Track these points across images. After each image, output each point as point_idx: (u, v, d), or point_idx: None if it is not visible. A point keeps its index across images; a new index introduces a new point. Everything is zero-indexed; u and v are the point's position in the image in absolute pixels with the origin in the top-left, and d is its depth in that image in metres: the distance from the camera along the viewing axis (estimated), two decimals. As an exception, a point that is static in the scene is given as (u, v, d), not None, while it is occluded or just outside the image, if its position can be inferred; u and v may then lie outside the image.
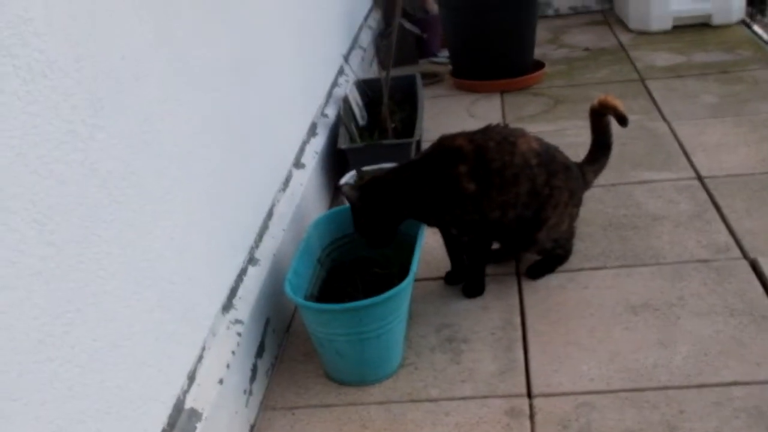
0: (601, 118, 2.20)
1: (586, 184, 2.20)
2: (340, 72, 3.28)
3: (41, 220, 1.12)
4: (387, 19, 4.43)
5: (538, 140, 2.08)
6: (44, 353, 1.11)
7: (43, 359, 1.10)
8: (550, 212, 2.07)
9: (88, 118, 1.25)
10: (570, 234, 2.18)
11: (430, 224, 2.06)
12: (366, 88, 3.19)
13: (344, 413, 1.78)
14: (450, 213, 2.02)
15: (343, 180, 2.49)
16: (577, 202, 2.16)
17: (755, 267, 2.08)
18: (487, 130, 2.06)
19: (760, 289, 2.00)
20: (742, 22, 4.12)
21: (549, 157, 2.07)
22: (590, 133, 2.23)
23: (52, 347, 1.12)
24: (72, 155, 1.20)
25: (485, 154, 1.99)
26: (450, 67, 3.91)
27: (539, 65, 3.76)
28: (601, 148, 2.22)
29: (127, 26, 1.41)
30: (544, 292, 2.11)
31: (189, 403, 1.54)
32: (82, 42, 1.25)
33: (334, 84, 3.16)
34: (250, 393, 1.79)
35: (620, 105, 2.16)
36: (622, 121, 2.17)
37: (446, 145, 2.03)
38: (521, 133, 2.07)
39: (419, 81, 3.26)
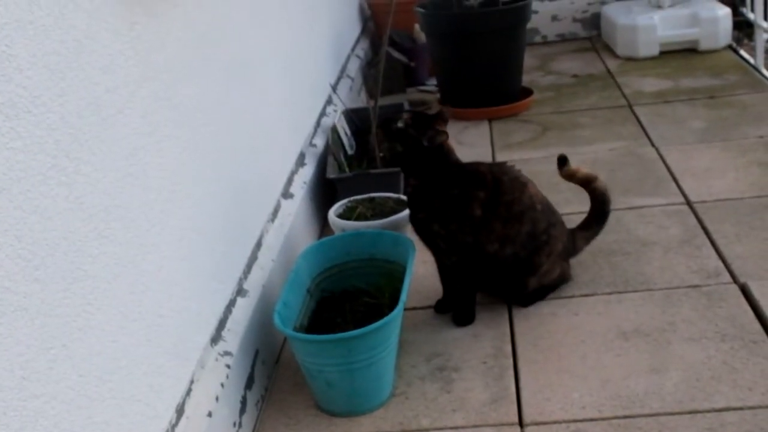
0: (588, 186, 2.23)
1: (576, 250, 2.23)
2: (329, 101, 3.28)
3: (26, 255, 1.11)
4: (374, 48, 4.45)
5: (541, 194, 2.14)
6: (29, 390, 1.09)
7: (27, 396, 1.09)
8: (544, 259, 2.09)
9: (73, 152, 1.25)
10: (560, 281, 2.19)
11: (421, 232, 2.09)
12: (354, 117, 3.20)
13: (335, 445, 1.77)
14: (447, 226, 2.04)
15: (333, 208, 2.48)
16: (566, 258, 2.19)
17: (745, 291, 2.08)
18: (502, 165, 2.13)
19: (750, 314, 1.99)
20: (729, 47, 4.15)
21: (550, 209, 2.14)
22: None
23: (36, 384, 1.11)
24: (56, 190, 1.20)
25: (500, 185, 2.05)
26: (438, 95, 3.92)
27: (527, 92, 3.77)
28: (596, 215, 2.25)
29: (110, 60, 1.41)
30: (535, 319, 2.10)
31: (177, 438, 1.53)
32: (66, 77, 1.25)
33: (323, 113, 3.16)
34: (240, 425, 1.77)
35: (579, 171, 2.21)
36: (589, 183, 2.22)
37: (470, 169, 2.08)
38: (530, 180, 2.13)
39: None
